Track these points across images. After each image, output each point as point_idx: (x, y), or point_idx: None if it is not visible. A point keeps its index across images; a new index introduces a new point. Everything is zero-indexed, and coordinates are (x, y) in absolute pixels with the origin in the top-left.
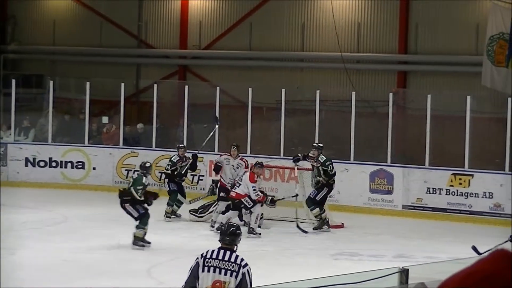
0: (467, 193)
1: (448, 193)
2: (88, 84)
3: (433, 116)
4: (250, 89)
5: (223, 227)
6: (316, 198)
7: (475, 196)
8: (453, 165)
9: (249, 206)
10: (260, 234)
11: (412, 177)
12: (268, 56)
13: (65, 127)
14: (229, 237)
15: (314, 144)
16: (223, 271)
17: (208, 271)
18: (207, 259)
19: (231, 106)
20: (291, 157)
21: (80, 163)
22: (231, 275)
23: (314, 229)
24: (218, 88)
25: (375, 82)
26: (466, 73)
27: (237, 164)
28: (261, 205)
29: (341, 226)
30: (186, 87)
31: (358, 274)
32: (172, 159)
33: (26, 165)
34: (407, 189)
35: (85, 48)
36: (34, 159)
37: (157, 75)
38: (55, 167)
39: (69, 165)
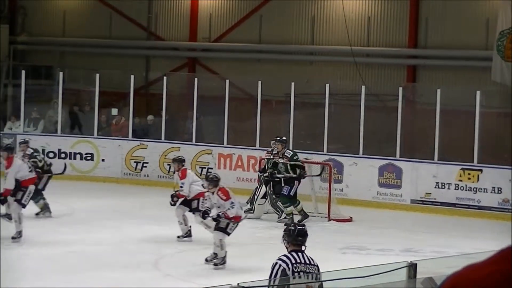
0: (476, 188)
1: (456, 188)
2: (97, 75)
3: (442, 111)
4: (259, 82)
5: (291, 228)
6: (291, 193)
7: (484, 191)
8: (462, 160)
9: None
10: None
11: (421, 172)
12: (278, 49)
13: (74, 119)
14: (302, 237)
15: (277, 138)
16: (310, 275)
17: (300, 276)
18: (294, 265)
19: (240, 99)
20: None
21: (89, 155)
22: (315, 278)
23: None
24: (227, 81)
25: (384, 76)
26: (475, 68)
27: None
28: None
29: (349, 220)
30: (196, 79)
31: (367, 268)
32: None
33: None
34: (416, 183)
35: (95, 40)
36: (43, 150)
37: (167, 67)
38: (64, 158)
39: (78, 156)
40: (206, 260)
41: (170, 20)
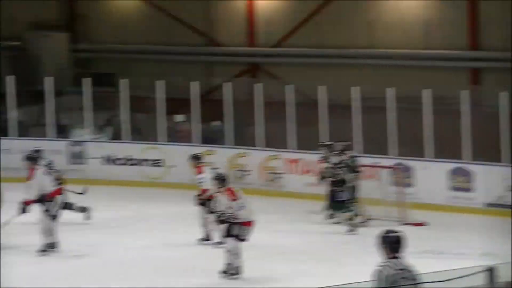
0: None
1: None
2: (161, 83)
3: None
4: (323, 87)
5: (389, 235)
6: (347, 198)
7: None
8: None
9: None
10: None
11: (493, 175)
12: (338, 53)
13: (141, 126)
14: (401, 243)
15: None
16: (412, 281)
17: (405, 283)
18: (398, 271)
19: (302, 103)
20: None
21: (158, 161)
22: (415, 285)
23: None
24: (291, 86)
25: (447, 79)
26: None
27: None
28: None
29: (423, 224)
30: (258, 85)
31: (445, 272)
32: None
33: (105, 164)
34: (488, 186)
35: (155, 47)
36: (112, 157)
37: (228, 73)
38: (133, 165)
39: (147, 163)
40: (225, 272)
41: (229, 26)
